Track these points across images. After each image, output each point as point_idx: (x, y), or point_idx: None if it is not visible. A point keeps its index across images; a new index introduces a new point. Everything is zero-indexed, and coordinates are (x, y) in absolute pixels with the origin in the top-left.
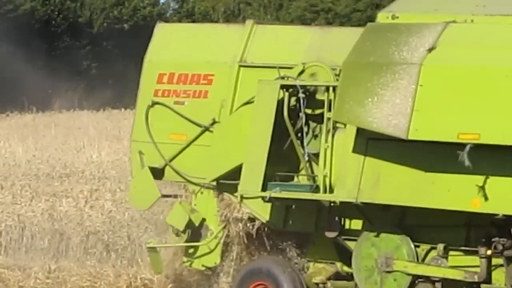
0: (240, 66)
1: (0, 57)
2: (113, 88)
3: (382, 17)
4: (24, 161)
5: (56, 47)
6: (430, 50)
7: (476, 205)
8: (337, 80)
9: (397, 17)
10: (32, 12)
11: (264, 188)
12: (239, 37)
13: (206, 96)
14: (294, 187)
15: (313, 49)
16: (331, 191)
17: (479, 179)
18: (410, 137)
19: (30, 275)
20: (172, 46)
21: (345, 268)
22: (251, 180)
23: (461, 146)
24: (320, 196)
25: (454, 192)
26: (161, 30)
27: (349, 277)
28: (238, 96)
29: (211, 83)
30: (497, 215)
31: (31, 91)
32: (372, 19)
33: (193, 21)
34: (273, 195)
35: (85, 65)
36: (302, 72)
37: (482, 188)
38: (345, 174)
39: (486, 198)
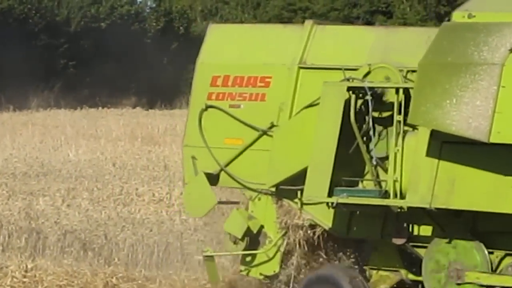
0: (300, 67)
1: None
2: (91, 87)
3: (458, 16)
4: (1, 160)
5: (33, 45)
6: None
7: None
8: (405, 81)
9: (474, 16)
10: (9, 10)
11: (330, 194)
12: (298, 38)
13: (263, 99)
14: (362, 192)
15: (377, 50)
16: (402, 196)
17: None
18: (492, 140)
19: (7, 274)
20: (226, 47)
21: (410, 276)
22: (317, 186)
23: None
24: (390, 201)
25: None
26: (214, 31)
27: (414, 285)
28: (297, 99)
29: (268, 85)
30: None
31: (8, 90)
32: (349, 18)
33: (171, 20)
34: (340, 201)
35: (62, 63)
36: (368, 73)
37: None
38: (418, 179)
39: None
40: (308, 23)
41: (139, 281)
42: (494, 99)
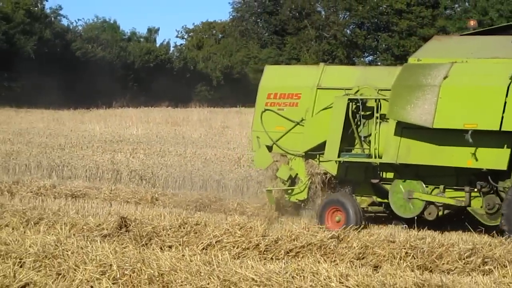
0: (318, 88)
1: None
2: (146, 96)
3: (412, 60)
4: (99, 134)
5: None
6: (445, 77)
7: (470, 163)
8: (380, 95)
9: (421, 60)
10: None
11: (339, 156)
12: (315, 72)
13: (296, 105)
14: (357, 155)
15: (361, 79)
16: (379, 157)
17: (472, 149)
18: (434, 126)
19: (101, 192)
20: (275, 78)
21: (378, 199)
22: (332, 151)
23: (465, 131)
24: (374, 160)
25: (457, 155)
26: (268, 69)
27: (380, 204)
28: (316, 105)
29: (299, 98)
30: (482, 169)
31: (101, 98)
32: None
33: None
34: (345, 159)
35: (130, 84)
36: (357, 91)
37: (473, 154)
38: (389, 147)
39: (476, 159)
40: (321, 64)
41: (169, 196)
42: (435, 104)
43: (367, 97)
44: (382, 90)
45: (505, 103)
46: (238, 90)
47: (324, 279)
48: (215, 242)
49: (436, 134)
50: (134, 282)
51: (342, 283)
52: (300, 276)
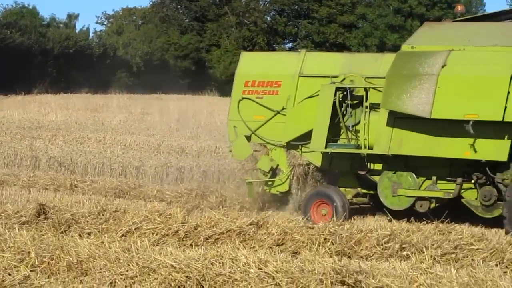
0: (299, 76)
1: None
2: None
3: (405, 47)
4: (17, 120)
5: None
6: (443, 66)
7: (467, 154)
8: (368, 84)
9: (415, 47)
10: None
11: (326, 146)
12: (296, 59)
13: (277, 93)
14: (345, 146)
15: (346, 66)
16: (370, 148)
17: (471, 140)
18: (432, 117)
19: (19, 178)
20: (252, 65)
21: (362, 190)
22: (319, 142)
23: (465, 122)
24: (364, 150)
25: (454, 147)
26: (245, 55)
27: (364, 195)
28: (298, 93)
29: (279, 86)
30: (480, 160)
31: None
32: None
33: None
34: (333, 150)
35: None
36: (344, 79)
37: (472, 145)
38: (380, 138)
39: (475, 151)
40: (303, 51)
41: (88, 183)
42: (433, 94)
43: (355, 85)
44: (369, 78)
45: (508, 93)
46: (158, 77)
47: (243, 266)
48: (134, 229)
49: (432, 124)
50: (53, 269)
51: (261, 269)
52: (219, 263)
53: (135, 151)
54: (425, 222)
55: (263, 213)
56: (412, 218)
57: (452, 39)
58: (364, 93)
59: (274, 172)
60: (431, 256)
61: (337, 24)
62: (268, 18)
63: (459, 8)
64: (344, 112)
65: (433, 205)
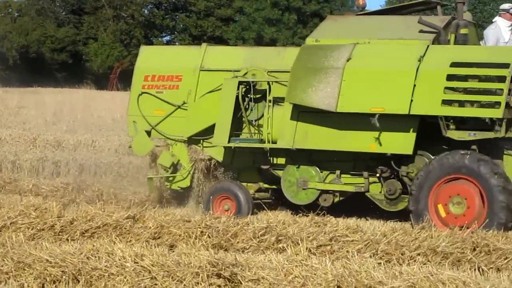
0: (200, 70)
1: None
2: None
3: (309, 41)
4: None
5: None
6: (348, 59)
7: (373, 148)
8: (271, 78)
9: (319, 41)
10: None
11: (229, 141)
12: (197, 53)
13: (177, 88)
14: (248, 140)
15: (248, 60)
16: (274, 142)
17: (376, 133)
18: (338, 110)
19: None
20: (152, 59)
21: (264, 185)
22: (222, 137)
23: (371, 115)
24: (268, 145)
25: (359, 140)
26: (144, 50)
27: (266, 190)
28: (199, 88)
29: (180, 80)
30: (385, 153)
31: None
32: None
33: None
34: (236, 145)
35: None
36: (246, 73)
37: (377, 138)
38: (284, 132)
39: (380, 144)
40: (204, 45)
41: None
42: (338, 88)
43: (258, 79)
44: (272, 72)
45: (414, 86)
46: (35, 70)
47: (119, 259)
48: (10, 224)
49: (337, 118)
50: None
51: (137, 263)
52: (95, 257)
53: (10, 145)
54: (301, 214)
55: (140, 207)
56: (288, 210)
57: (356, 32)
58: (267, 87)
59: (175, 167)
60: (307, 248)
61: (214, 17)
62: (146, 11)
63: (361, 2)
64: (247, 106)
65: (337, 199)
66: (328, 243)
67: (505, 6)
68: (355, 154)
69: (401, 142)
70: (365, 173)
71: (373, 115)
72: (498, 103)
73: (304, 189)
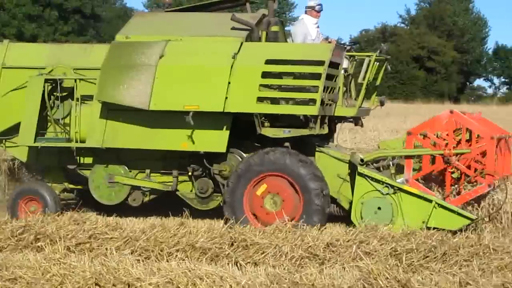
0: (2, 68)
1: None
2: None
3: (119, 37)
4: None
5: None
6: (161, 56)
7: (185, 146)
8: (78, 75)
9: (130, 37)
10: None
11: (35, 141)
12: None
13: None
14: (55, 140)
15: (53, 57)
16: (82, 141)
17: (188, 131)
18: (151, 108)
19: None
20: None
21: (69, 186)
22: (27, 136)
23: (185, 113)
24: (76, 144)
25: (171, 138)
26: None
27: (71, 190)
28: (1, 86)
29: None
30: (198, 152)
31: None
32: None
33: None
34: (43, 145)
35: None
36: (52, 70)
37: (190, 136)
38: (94, 131)
39: (193, 142)
40: (5, 41)
41: None
42: (151, 85)
43: (65, 77)
44: (78, 69)
45: (229, 83)
46: None
47: None
48: None
49: (149, 116)
50: None
51: None
52: None
53: None
54: (60, 212)
55: None
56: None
57: (167, 29)
58: (74, 85)
59: None
60: (65, 246)
61: None
62: None
63: None
64: (53, 105)
65: (146, 198)
66: (87, 240)
67: (311, 3)
68: (165, 152)
69: (214, 140)
70: (175, 172)
71: (187, 112)
72: (314, 100)
73: (112, 188)
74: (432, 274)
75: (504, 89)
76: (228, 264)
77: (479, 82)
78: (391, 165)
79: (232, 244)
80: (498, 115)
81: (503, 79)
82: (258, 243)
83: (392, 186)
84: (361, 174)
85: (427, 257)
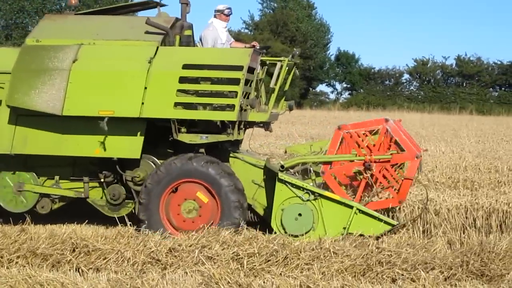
0: None
1: None
2: None
3: (30, 41)
4: None
5: None
6: (74, 61)
7: (98, 152)
8: None
9: (40, 41)
10: None
11: None
12: None
13: None
14: None
15: None
16: None
17: (101, 137)
18: (64, 114)
19: None
20: None
21: None
22: None
23: (100, 118)
24: None
25: (84, 144)
26: None
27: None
28: None
29: None
30: (112, 158)
31: None
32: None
33: None
34: None
35: None
36: None
37: (103, 142)
38: (1, 137)
39: (105, 148)
40: None
41: None
42: (64, 90)
43: None
44: None
45: (145, 88)
46: None
47: None
48: None
49: (60, 121)
50: None
51: None
52: None
53: None
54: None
55: None
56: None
57: (79, 32)
58: None
59: None
60: None
61: None
62: None
63: (73, 1)
64: None
65: (56, 205)
66: None
67: (220, 7)
68: (74, 158)
69: (128, 146)
70: (86, 178)
71: (102, 118)
72: (232, 106)
73: (20, 196)
74: (273, 278)
75: (346, 94)
76: (69, 270)
77: (321, 87)
78: (311, 171)
79: (74, 250)
80: (340, 120)
81: (345, 85)
82: (100, 248)
83: (313, 192)
84: (281, 180)
85: (268, 261)
